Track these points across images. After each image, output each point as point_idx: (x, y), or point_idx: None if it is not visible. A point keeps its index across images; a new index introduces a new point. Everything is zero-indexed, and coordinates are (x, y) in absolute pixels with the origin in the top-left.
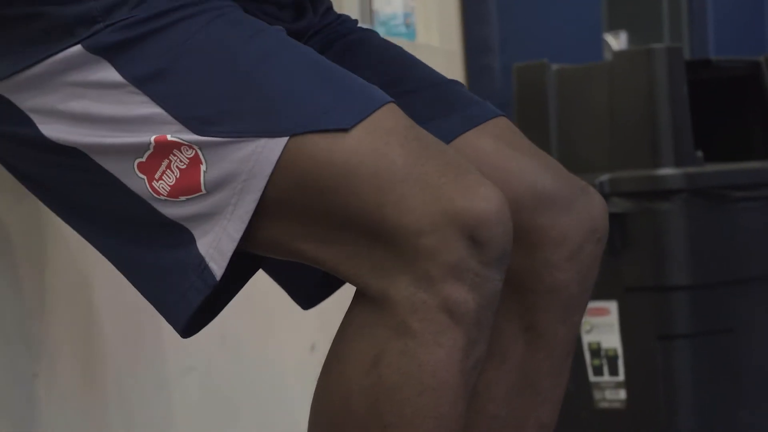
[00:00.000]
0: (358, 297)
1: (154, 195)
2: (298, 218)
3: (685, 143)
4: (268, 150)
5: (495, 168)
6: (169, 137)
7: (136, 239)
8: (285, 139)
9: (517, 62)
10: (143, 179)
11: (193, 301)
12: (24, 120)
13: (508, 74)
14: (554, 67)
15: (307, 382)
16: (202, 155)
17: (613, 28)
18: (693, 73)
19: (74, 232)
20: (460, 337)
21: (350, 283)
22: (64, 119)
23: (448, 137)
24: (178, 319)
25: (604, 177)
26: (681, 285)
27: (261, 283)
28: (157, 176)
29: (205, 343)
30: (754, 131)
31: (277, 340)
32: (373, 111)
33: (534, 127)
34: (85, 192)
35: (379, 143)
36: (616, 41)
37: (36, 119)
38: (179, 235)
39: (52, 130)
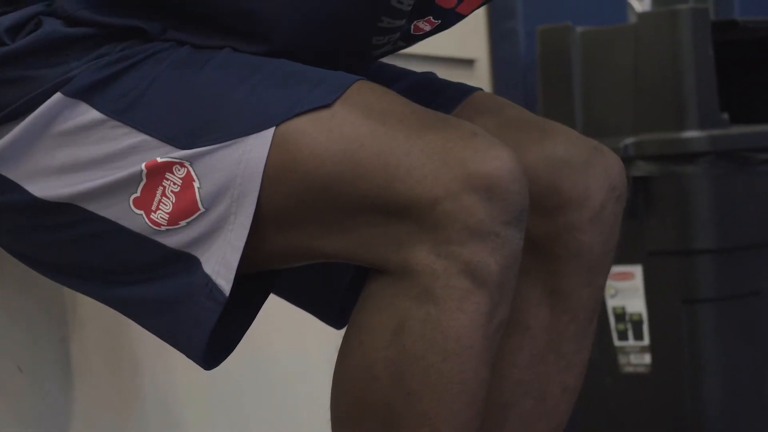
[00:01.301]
0: (375, 272)
1: (154, 228)
2: (306, 215)
3: (710, 105)
4: (257, 147)
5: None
6: (159, 159)
7: (140, 280)
8: (271, 131)
9: (541, 25)
10: (141, 214)
11: (206, 324)
12: (13, 187)
13: (532, 38)
14: (578, 29)
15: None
16: (194, 172)
17: None
18: (718, 34)
19: None
20: (484, 301)
21: (370, 266)
22: (53, 174)
23: None
24: (196, 349)
25: (629, 140)
26: (706, 248)
27: None
28: (153, 207)
29: None
30: None
31: (288, 331)
32: (349, 86)
33: (558, 90)
34: (84, 249)
35: (375, 122)
36: (641, 3)
37: (25, 183)
38: (184, 263)
39: (43, 189)
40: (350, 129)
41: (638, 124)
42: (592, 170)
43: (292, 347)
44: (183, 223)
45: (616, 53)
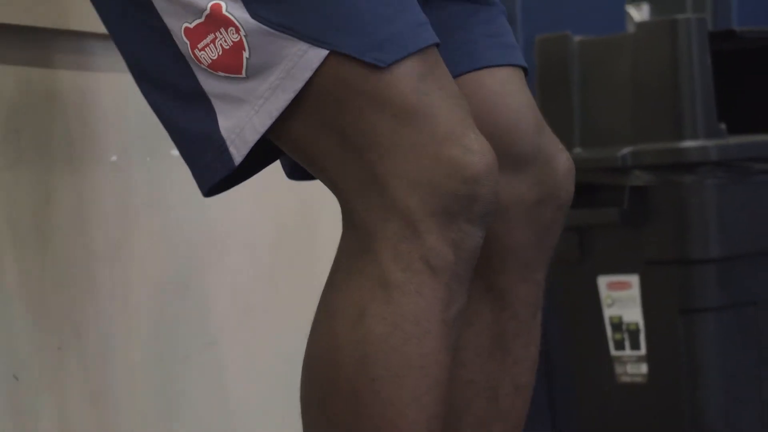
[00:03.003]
0: (345, 237)
1: (196, 61)
2: (321, 129)
3: (708, 115)
4: (310, 56)
5: (486, 113)
6: (224, 11)
7: (174, 100)
8: (326, 52)
9: (540, 34)
10: (186, 44)
11: (211, 178)
12: None
13: (531, 46)
14: (577, 39)
15: None
16: (246, 42)
17: None
18: (716, 44)
19: (98, 208)
20: (440, 288)
21: (345, 207)
22: None
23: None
24: (201, 183)
25: (627, 150)
26: (704, 258)
27: (282, 258)
28: (200, 46)
29: (228, 317)
30: None
31: (299, 313)
32: (414, 52)
33: (556, 99)
34: (144, 40)
35: (409, 90)
36: (639, 13)
37: None
38: (206, 110)
39: None
40: (387, 83)
41: (636, 133)
42: (535, 172)
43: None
44: (221, 74)
45: (614, 63)
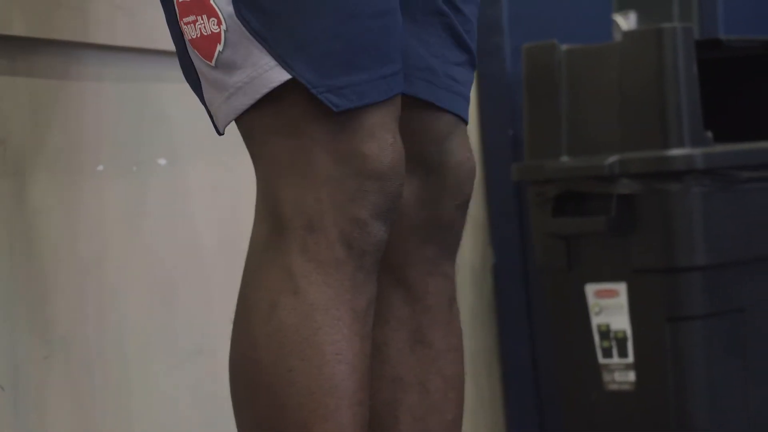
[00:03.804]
0: (255, 231)
1: (182, 31)
2: (266, 131)
3: (695, 123)
4: (274, 74)
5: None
6: (212, 1)
7: (183, 54)
8: (288, 77)
9: (527, 43)
10: (177, 12)
11: (216, 123)
12: None
13: (518, 55)
14: (564, 47)
15: None
16: (224, 36)
17: (623, 8)
18: (703, 52)
19: (84, 218)
20: (347, 279)
21: (260, 195)
22: None
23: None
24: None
25: (614, 158)
26: (691, 266)
27: None
28: (185, 21)
29: (214, 325)
30: (764, 111)
31: None
32: (369, 104)
33: (543, 107)
34: None
35: (354, 135)
36: (626, 21)
37: None
38: (196, 73)
39: None
40: (339, 137)
41: (623, 141)
42: (438, 172)
43: None
44: (197, 53)
45: (601, 71)
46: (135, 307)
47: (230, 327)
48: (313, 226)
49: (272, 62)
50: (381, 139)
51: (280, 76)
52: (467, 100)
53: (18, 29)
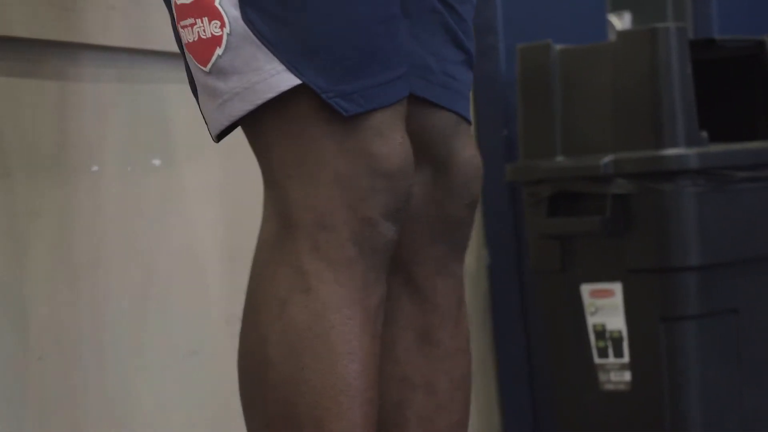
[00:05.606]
0: (264, 229)
1: (179, 35)
2: (270, 132)
3: (689, 123)
4: (282, 78)
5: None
6: (216, 2)
7: (183, 55)
8: (298, 81)
9: (521, 43)
10: (174, 16)
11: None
12: None
13: (512, 55)
14: (558, 47)
15: None
16: (226, 40)
17: (617, 8)
18: (697, 52)
19: (79, 218)
20: (358, 278)
21: (268, 194)
22: None
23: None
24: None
25: (608, 158)
26: (685, 266)
27: None
28: (182, 24)
29: (209, 327)
30: (759, 111)
31: None
32: (378, 108)
33: (538, 108)
34: None
35: (364, 137)
36: (620, 21)
37: None
38: (191, 75)
39: None
40: (348, 139)
41: (618, 142)
42: (442, 169)
43: None
44: (191, 57)
45: (595, 71)
46: (130, 308)
47: (225, 328)
48: (324, 225)
49: (280, 67)
50: (390, 138)
51: (288, 81)
52: (467, 98)
53: (13, 30)
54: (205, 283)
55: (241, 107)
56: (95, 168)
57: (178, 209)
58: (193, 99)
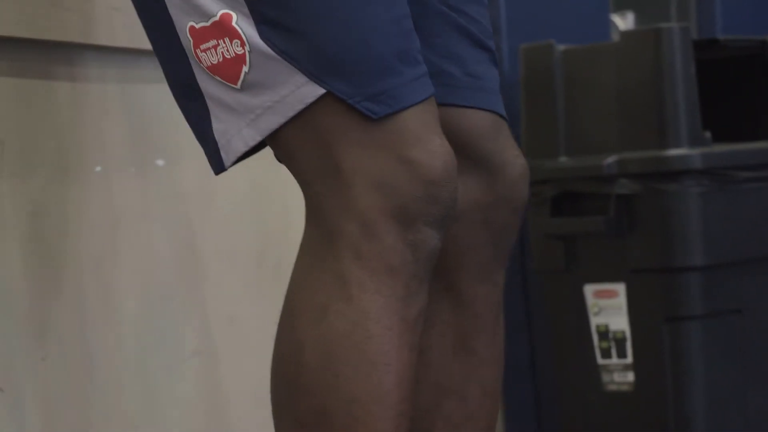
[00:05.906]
0: (307, 236)
1: (197, 60)
2: (304, 145)
3: (693, 123)
4: (307, 90)
5: (447, 121)
6: (234, 23)
7: (181, 94)
8: (322, 91)
9: (524, 43)
10: (190, 41)
11: (215, 166)
12: None
13: (515, 55)
14: (561, 48)
15: None
16: (249, 58)
17: (621, 8)
18: (700, 52)
19: (83, 219)
20: (399, 288)
21: (310, 203)
22: None
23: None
24: (211, 165)
25: (612, 158)
26: (689, 266)
27: (267, 268)
28: (203, 47)
29: (212, 327)
30: (762, 111)
31: None
32: (407, 107)
33: (541, 108)
34: (155, 28)
35: (396, 140)
36: (624, 21)
37: None
38: (202, 108)
39: None
40: (380, 143)
41: (621, 142)
42: (492, 176)
43: None
44: (218, 78)
45: (599, 71)
46: (133, 308)
47: (228, 328)
48: (367, 234)
49: (303, 79)
50: (428, 141)
51: (314, 91)
52: (497, 94)
53: (16, 30)
54: (208, 283)
55: (275, 120)
56: (98, 168)
57: (181, 209)
58: (195, 133)
